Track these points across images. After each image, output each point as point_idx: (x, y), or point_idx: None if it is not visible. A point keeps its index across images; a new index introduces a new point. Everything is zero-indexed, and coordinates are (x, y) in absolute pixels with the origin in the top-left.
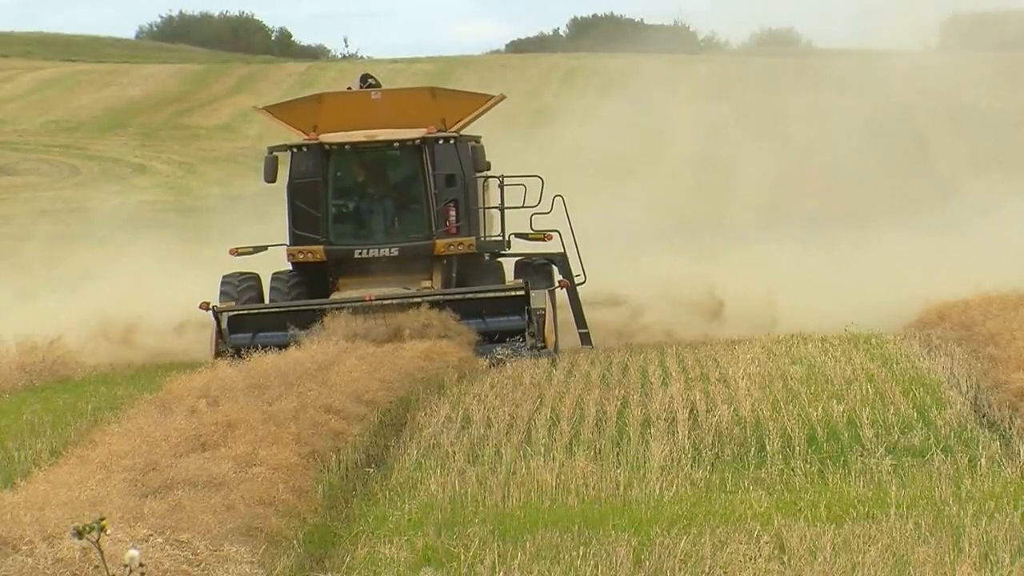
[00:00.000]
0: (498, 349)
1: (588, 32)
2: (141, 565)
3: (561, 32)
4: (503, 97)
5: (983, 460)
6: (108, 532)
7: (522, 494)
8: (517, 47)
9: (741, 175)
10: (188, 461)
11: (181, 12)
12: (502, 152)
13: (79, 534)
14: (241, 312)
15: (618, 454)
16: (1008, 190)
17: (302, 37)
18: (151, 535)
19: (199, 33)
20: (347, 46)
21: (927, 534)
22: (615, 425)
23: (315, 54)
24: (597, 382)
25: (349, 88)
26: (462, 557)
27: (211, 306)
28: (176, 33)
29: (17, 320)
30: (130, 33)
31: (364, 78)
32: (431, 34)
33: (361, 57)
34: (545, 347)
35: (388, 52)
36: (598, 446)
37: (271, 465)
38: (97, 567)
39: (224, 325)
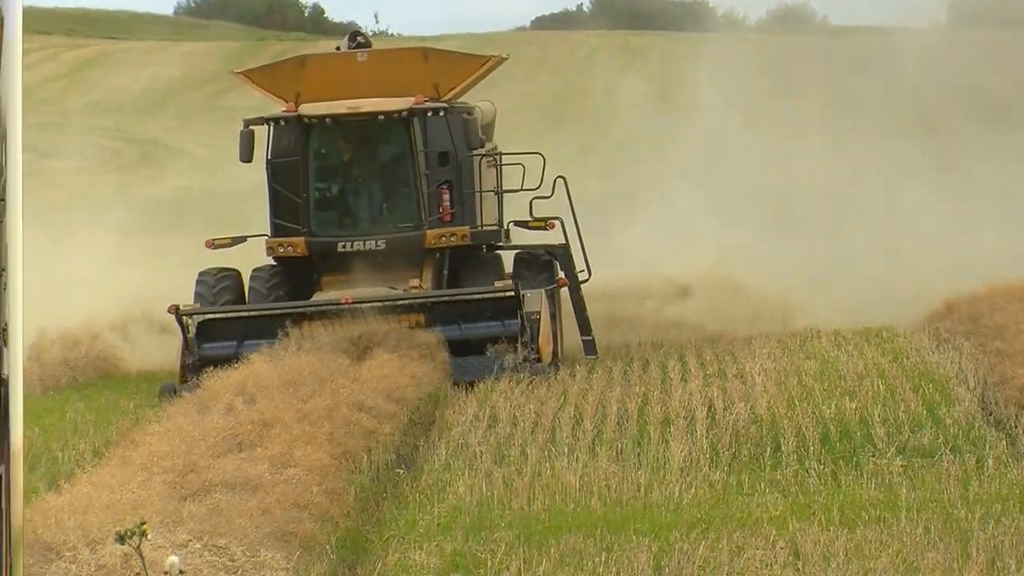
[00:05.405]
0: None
1: (611, 8)
2: (181, 572)
3: (585, 8)
4: (502, 59)
5: (990, 460)
6: (149, 537)
7: (547, 497)
8: (542, 23)
9: (757, 160)
10: (226, 462)
11: None
12: (527, 132)
13: (121, 539)
14: (210, 316)
15: (639, 454)
16: (1017, 175)
17: (334, 14)
18: (190, 540)
19: (235, 9)
20: (377, 22)
21: (936, 539)
22: (636, 423)
23: (347, 31)
24: (619, 379)
25: (337, 48)
26: (489, 563)
27: (176, 309)
28: (213, 9)
29: (61, 313)
30: (168, 9)
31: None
32: (459, 9)
33: (391, 34)
34: (539, 360)
35: (417, 29)
36: (619, 446)
37: (305, 466)
38: (138, 574)
39: (192, 333)
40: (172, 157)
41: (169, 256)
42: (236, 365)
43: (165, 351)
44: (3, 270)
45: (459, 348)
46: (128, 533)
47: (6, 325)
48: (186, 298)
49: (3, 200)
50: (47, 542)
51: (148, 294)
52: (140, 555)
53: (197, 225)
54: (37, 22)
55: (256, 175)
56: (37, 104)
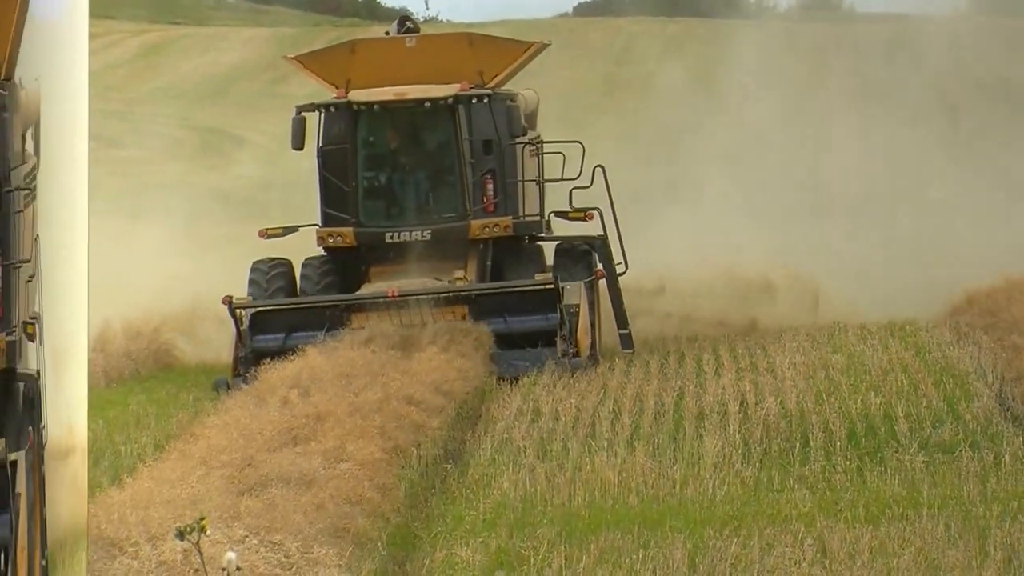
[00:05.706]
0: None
1: None
2: (238, 568)
3: None
4: (545, 45)
5: (1007, 457)
6: (208, 533)
7: (587, 492)
8: (582, 10)
9: (788, 151)
10: (281, 456)
11: None
12: (568, 121)
13: (181, 535)
14: (262, 308)
15: (674, 449)
16: None
17: None
18: (247, 536)
19: None
20: (428, 8)
21: (956, 536)
22: (672, 418)
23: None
24: (656, 372)
25: (387, 33)
26: (532, 560)
27: (229, 301)
28: None
29: (124, 304)
30: None
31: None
32: None
33: (441, 20)
34: (577, 355)
35: (466, 15)
36: (656, 441)
37: (357, 461)
38: (197, 571)
39: (245, 325)
40: (233, 146)
41: (230, 245)
42: (292, 357)
43: (224, 342)
44: (26, 261)
45: (503, 341)
46: (188, 529)
47: (33, 317)
48: (243, 289)
49: (30, 190)
50: (110, 537)
51: (209, 284)
52: (199, 551)
53: (257, 214)
54: (102, 7)
55: (313, 163)
56: (103, 91)
